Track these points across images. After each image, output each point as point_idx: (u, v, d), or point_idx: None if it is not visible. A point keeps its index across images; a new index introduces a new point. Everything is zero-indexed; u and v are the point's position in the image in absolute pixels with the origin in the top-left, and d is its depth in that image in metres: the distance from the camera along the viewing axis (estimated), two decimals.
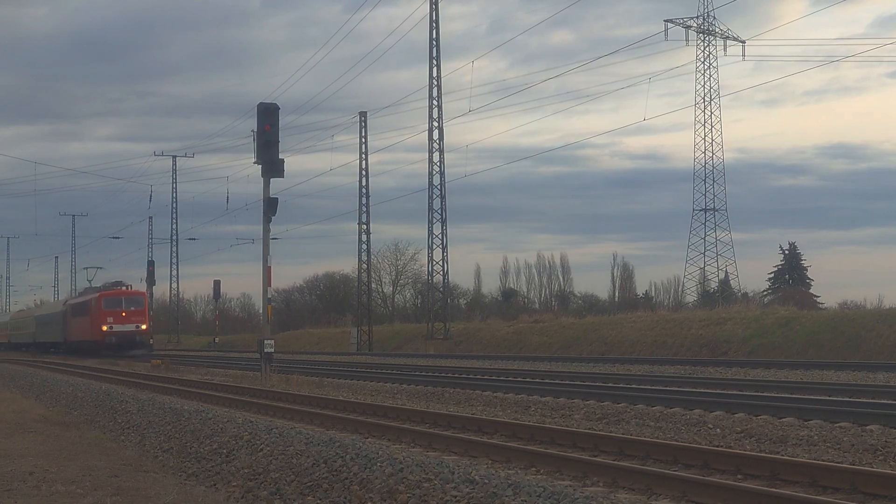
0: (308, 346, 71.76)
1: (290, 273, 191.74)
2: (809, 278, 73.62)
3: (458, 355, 45.72)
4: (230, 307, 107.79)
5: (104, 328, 54.26)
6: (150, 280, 75.37)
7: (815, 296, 68.42)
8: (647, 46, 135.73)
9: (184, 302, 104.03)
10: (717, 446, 11.49)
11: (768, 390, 18.83)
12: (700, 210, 64.70)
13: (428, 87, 52.96)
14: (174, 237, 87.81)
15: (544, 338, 51.36)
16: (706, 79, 64.09)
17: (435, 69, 52.64)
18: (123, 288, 58.17)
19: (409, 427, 14.12)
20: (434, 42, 52.59)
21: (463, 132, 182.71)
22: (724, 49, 64.81)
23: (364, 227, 62.77)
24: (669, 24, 61.50)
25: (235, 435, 12.82)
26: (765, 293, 72.07)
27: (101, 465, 11.26)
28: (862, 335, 35.56)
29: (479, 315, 72.16)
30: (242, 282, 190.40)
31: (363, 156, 62.25)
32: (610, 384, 21.50)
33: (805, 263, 74.53)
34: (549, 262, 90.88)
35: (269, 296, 26.94)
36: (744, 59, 64.09)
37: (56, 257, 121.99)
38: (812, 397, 16.70)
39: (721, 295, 63.20)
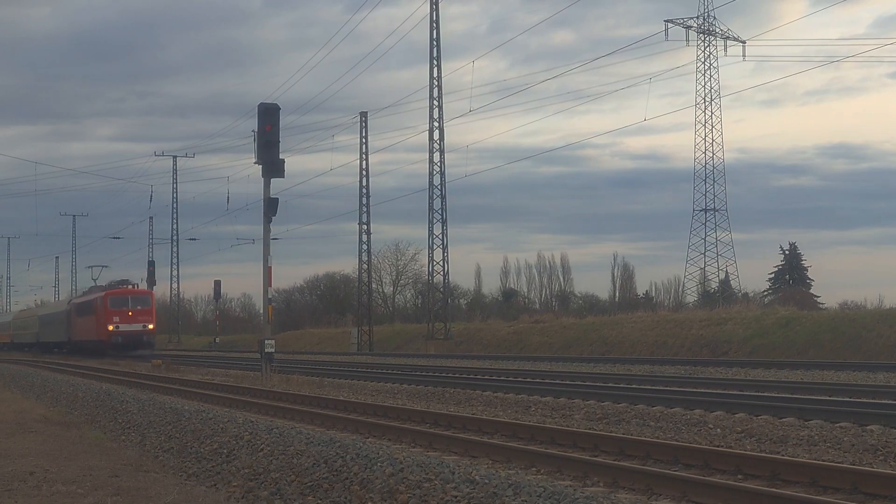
0: (308, 346, 71.76)
1: (291, 273, 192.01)
2: (810, 278, 73.71)
3: (458, 355, 45.71)
4: (231, 307, 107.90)
5: (110, 328, 53.40)
6: (151, 280, 75.49)
7: (816, 296, 68.46)
8: (647, 46, 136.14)
9: (184, 302, 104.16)
10: (718, 446, 11.49)
11: (769, 390, 18.83)
12: (700, 210, 64.74)
13: (428, 87, 53.02)
14: (175, 237, 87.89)
15: (545, 338, 51.36)
16: (707, 79, 64.14)
17: (435, 69, 52.69)
18: (130, 287, 57.49)
19: (410, 427, 14.12)
20: (434, 42, 52.62)
21: (463, 132, 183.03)
22: (725, 49, 64.90)
23: (364, 227, 62.83)
24: (670, 25, 61.53)
25: (236, 435, 12.83)
26: (765, 293, 72.14)
27: (102, 465, 11.26)
28: (862, 335, 35.54)
29: (480, 315, 72.16)
30: (243, 282, 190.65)
31: (364, 156, 62.33)
32: (610, 384, 21.50)
33: (805, 263, 74.64)
34: (549, 262, 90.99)
35: (270, 296, 26.94)
36: (744, 60, 64.10)
37: (56, 257, 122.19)
38: (812, 397, 16.69)
39: (721, 295, 63.19)
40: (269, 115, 25.37)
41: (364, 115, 62.27)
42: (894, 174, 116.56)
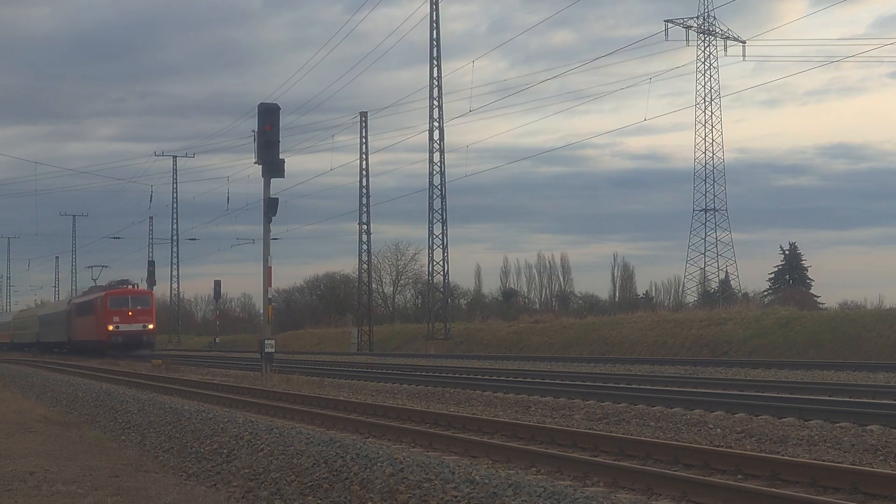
0: (308, 346, 71.76)
1: (291, 273, 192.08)
2: (810, 278, 73.70)
3: (458, 355, 45.71)
4: (231, 307, 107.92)
5: (110, 328, 53.15)
6: (151, 280, 75.45)
7: (816, 296, 68.45)
8: (647, 47, 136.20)
9: (184, 302, 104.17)
10: (718, 446, 11.49)
11: (769, 390, 18.83)
12: (700, 210, 64.75)
13: (428, 87, 53.02)
14: (174, 237, 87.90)
15: (545, 338, 51.36)
16: (707, 79, 64.14)
17: (435, 69, 52.69)
18: (130, 287, 57.23)
19: (410, 427, 14.12)
20: (434, 42, 52.62)
21: (463, 132, 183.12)
22: (725, 49, 64.89)
23: (364, 227, 62.83)
24: (670, 25, 61.52)
25: (236, 435, 12.83)
26: (765, 293, 72.14)
27: (102, 465, 11.26)
28: (862, 335, 35.55)
29: (480, 315, 72.17)
30: (243, 282, 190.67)
31: (364, 156, 62.32)
32: (610, 384, 21.49)
33: (805, 263, 74.64)
34: (549, 262, 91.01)
35: (270, 296, 26.94)
36: (744, 60, 64.10)
37: (56, 257, 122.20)
38: (812, 397, 16.69)
39: (721, 295, 63.20)
40: (269, 115, 25.37)
41: (364, 115, 62.32)
42: (894, 174, 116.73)
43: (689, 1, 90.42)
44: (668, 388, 19.61)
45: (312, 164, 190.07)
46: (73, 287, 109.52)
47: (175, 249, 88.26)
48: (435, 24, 52.51)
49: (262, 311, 28.51)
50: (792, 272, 73.27)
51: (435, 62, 52.52)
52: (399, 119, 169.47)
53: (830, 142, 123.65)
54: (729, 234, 65.17)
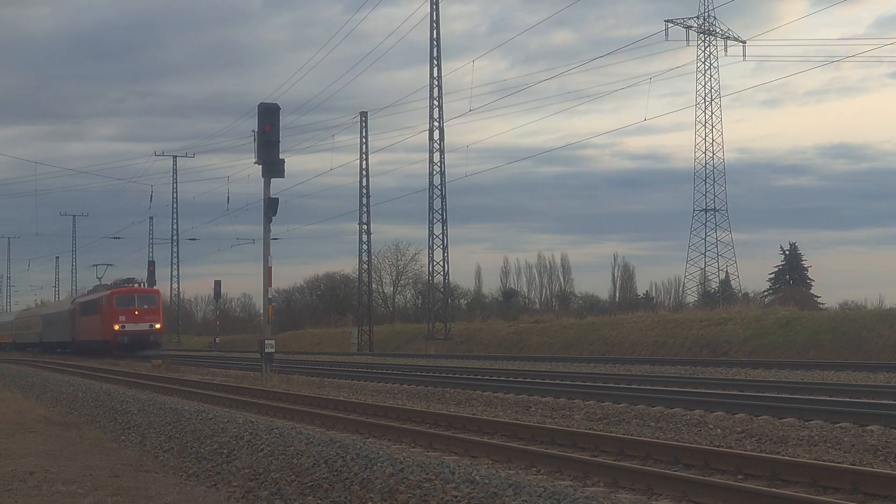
0: (309, 346, 71.76)
1: (291, 273, 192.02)
2: (810, 278, 73.66)
3: (458, 355, 45.71)
4: (231, 307, 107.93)
5: (116, 327, 51.72)
6: (151, 280, 75.32)
7: (816, 296, 68.42)
8: (647, 46, 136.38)
9: (184, 302, 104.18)
10: (718, 446, 11.49)
11: (769, 390, 18.82)
12: (701, 210, 64.76)
13: (428, 87, 53.00)
14: (175, 237, 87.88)
15: (545, 338, 51.35)
16: (707, 79, 64.15)
17: (435, 69, 52.68)
18: (136, 285, 56.14)
19: (410, 427, 14.12)
20: (435, 42, 52.62)
21: (463, 132, 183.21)
22: (725, 49, 64.87)
23: (364, 227, 62.83)
24: (670, 25, 61.55)
25: (236, 435, 12.83)
26: (765, 293, 72.12)
27: (102, 465, 11.26)
28: (862, 335, 35.55)
29: (480, 315, 72.18)
30: (243, 282, 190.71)
31: (364, 156, 62.32)
32: (610, 384, 21.49)
33: (806, 264, 74.59)
34: (549, 263, 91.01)
35: (270, 296, 26.94)
36: (744, 60, 64.13)
37: (57, 257, 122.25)
38: (813, 398, 16.68)
39: (722, 295, 63.21)
40: (269, 115, 25.37)
41: (364, 115, 62.30)
42: (894, 174, 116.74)
43: (689, 1, 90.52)
44: (669, 389, 19.60)
45: (312, 164, 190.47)
46: (74, 287, 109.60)
47: (175, 249, 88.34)
48: (435, 24, 52.54)
49: (262, 311, 28.52)
50: (792, 272, 73.26)
51: (435, 62, 52.55)
52: (399, 119, 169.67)
53: (830, 142, 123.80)
54: (729, 234, 65.27)
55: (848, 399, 16.30)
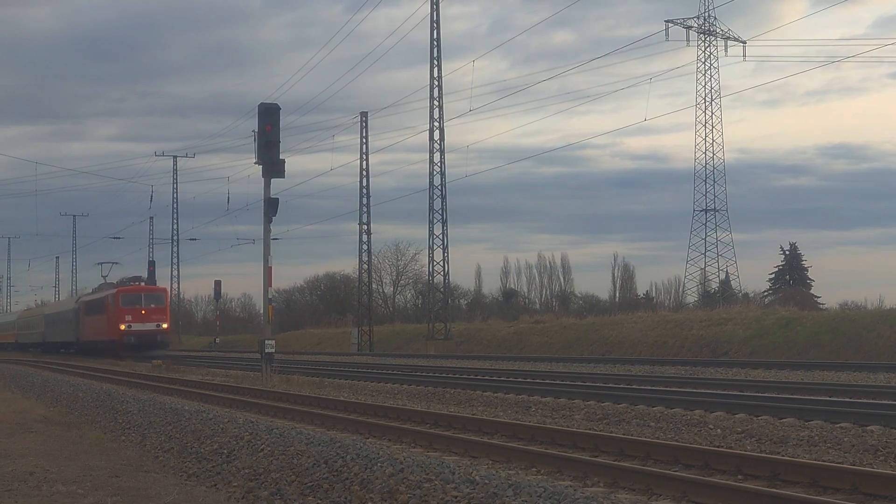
0: (309, 346, 71.76)
1: (291, 273, 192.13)
2: (810, 279, 73.67)
3: (458, 356, 45.71)
4: (231, 307, 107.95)
5: (122, 327, 50.51)
6: (151, 280, 75.26)
7: (816, 296, 68.42)
8: (647, 47, 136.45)
9: (184, 302, 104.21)
10: (718, 447, 11.49)
11: (769, 391, 18.83)
12: (701, 210, 64.78)
13: (429, 87, 53.01)
14: (175, 237, 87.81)
15: (545, 338, 51.36)
16: (707, 79, 64.16)
17: (436, 69, 52.69)
18: (142, 283, 55.28)
19: (410, 427, 14.13)
20: (435, 42, 52.62)
21: (464, 132, 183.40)
22: (725, 49, 64.87)
23: (365, 227, 62.84)
24: (670, 25, 61.57)
25: (236, 435, 12.83)
26: (765, 294, 72.12)
27: (102, 466, 11.26)
28: (863, 336, 35.55)
29: (480, 315, 72.18)
30: (243, 282, 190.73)
31: (364, 156, 62.33)
32: (611, 384, 21.49)
33: (806, 264, 74.60)
34: (549, 263, 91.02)
35: (270, 296, 26.94)
36: (745, 60, 64.13)
37: (57, 257, 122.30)
38: (813, 398, 16.68)
39: (722, 295, 63.21)
40: (269, 115, 25.38)
41: (364, 115, 62.32)
42: (894, 174, 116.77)
43: (690, 1, 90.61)
44: (669, 389, 19.60)
45: (312, 164, 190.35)
46: (74, 287, 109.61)
47: (175, 249, 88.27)
48: (435, 24, 52.55)
49: (262, 312, 28.52)
50: (792, 272, 73.26)
51: (435, 62, 52.56)
52: (399, 119, 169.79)
53: (831, 142, 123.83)
54: (729, 234, 65.30)
55: (848, 399, 16.29)
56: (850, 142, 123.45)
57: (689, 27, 62.98)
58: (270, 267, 26.29)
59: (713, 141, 64.00)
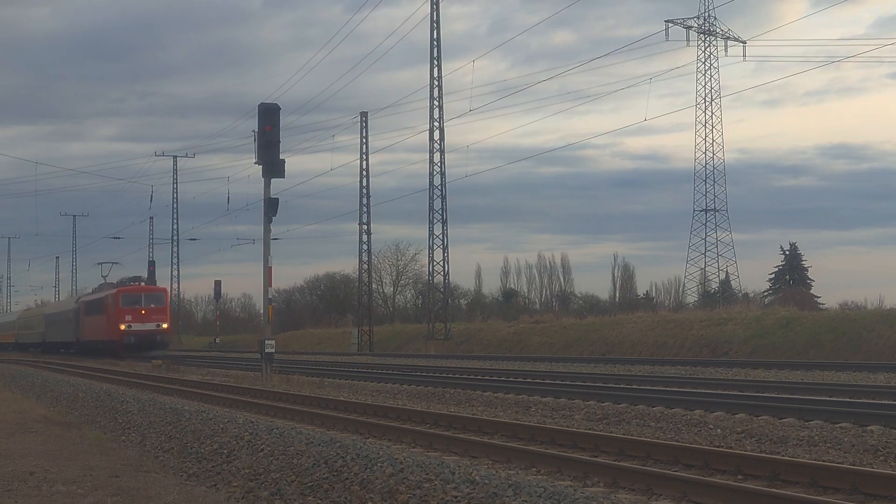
0: (309, 346, 71.76)
1: (291, 273, 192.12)
2: (810, 279, 73.68)
3: (458, 356, 45.71)
4: (231, 307, 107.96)
5: (122, 327, 50.40)
6: (151, 280, 75.25)
7: (816, 296, 68.43)
8: (647, 47, 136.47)
9: (184, 302, 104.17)
10: (718, 447, 11.49)
11: (769, 391, 18.83)
12: (701, 210, 64.78)
13: (429, 87, 53.01)
14: (175, 237, 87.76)
15: (545, 338, 51.36)
16: (707, 79, 64.16)
17: (436, 69, 52.68)
18: (142, 283, 55.04)
19: (410, 427, 14.13)
20: (435, 42, 52.61)
21: (464, 132, 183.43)
22: (725, 49, 64.87)
23: (365, 227, 62.84)
24: (670, 25, 61.57)
25: (236, 435, 12.83)
26: (765, 294, 72.13)
27: (102, 466, 11.26)
28: (863, 336, 35.55)
29: (480, 315, 72.18)
30: (243, 282, 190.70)
31: (364, 156, 62.33)
32: (611, 384, 21.49)
33: (806, 264, 74.61)
34: (549, 263, 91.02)
35: (270, 296, 26.95)
36: (745, 60, 64.12)
37: (57, 257, 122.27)
38: (813, 398, 16.68)
39: (722, 295, 63.21)
40: (269, 115, 25.38)
41: (364, 115, 62.32)
42: (894, 174, 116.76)
43: (690, 1, 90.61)
44: (669, 389, 19.60)
45: (312, 164, 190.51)
46: (74, 287, 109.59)
47: (175, 249, 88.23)
48: (435, 24, 52.54)
49: (262, 312, 28.53)
50: (792, 272, 73.27)
51: (435, 62, 52.55)
52: (399, 119, 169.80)
53: (831, 142, 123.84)
54: (729, 234, 65.30)
55: (848, 399, 16.29)
56: (850, 142, 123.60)
57: (689, 27, 63.02)
58: (270, 267, 26.30)
59: (713, 141, 64.07)
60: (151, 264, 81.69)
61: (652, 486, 9.01)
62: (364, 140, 62.24)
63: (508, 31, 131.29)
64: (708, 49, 63.89)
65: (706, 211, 64.48)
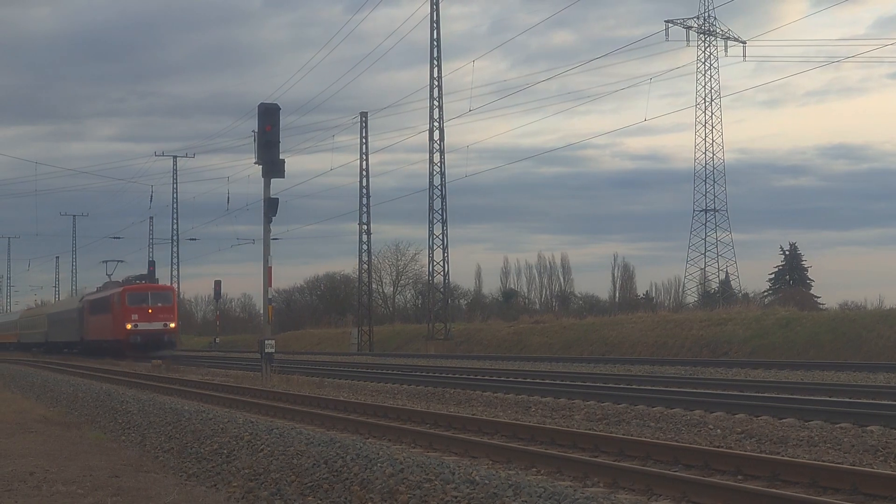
0: (309, 346, 71.76)
1: (291, 273, 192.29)
2: (810, 279, 73.71)
3: (458, 356, 45.71)
4: (231, 307, 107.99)
5: (128, 326, 49.32)
6: (151, 280, 75.16)
7: (816, 296, 68.45)
8: (647, 47, 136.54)
9: (184, 302, 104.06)
10: (718, 447, 11.49)
11: (769, 391, 18.83)
12: (701, 210, 64.79)
13: (429, 87, 53.01)
14: (175, 237, 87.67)
15: (545, 338, 51.37)
16: (707, 79, 64.17)
17: (436, 69, 52.68)
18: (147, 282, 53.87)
19: (410, 427, 14.13)
20: (435, 42, 52.61)
21: (464, 132, 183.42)
22: (725, 49, 64.92)
23: (365, 227, 62.84)
24: (670, 25, 61.58)
25: (236, 435, 12.83)
26: (765, 294, 72.15)
27: (102, 466, 11.26)
28: (862, 336, 35.56)
29: (480, 315, 72.19)
30: (243, 282, 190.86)
31: (364, 156, 62.34)
32: (610, 385, 21.49)
33: (806, 264, 74.65)
34: (549, 263, 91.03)
35: (270, 296, 26.94)
36: (745, 60, 64.13)
37: (57, 257, 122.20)
38: (812, 398, 16.68)
39: (722, 295, 63.21)
40: (269, 116, 25.37)
41: (364, 115, 62.33)
42: (894, 174, 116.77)
43: (690, 1, 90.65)
44: (669, 389, 19.60)
45: (312, 164, 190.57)
46: (73, 287, 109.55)
47: (175, 249, 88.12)
48: (435, 24, 52.55)
49: (262, 312, 28.52)
50: (792, 273, 73.29)
51: (435, 62, 52.55)
52: (399, 119, 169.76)
53: (831, 142, 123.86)
54: (729, 234, 65.32)
55: (848, 399, 16.29)
56: (850, 142, 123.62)
57: (689, 27, 63.03)
58: (270, 267, 26.29)
59: (713, 141, 64.08)
60: (151, 264, 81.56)
61: (652, 487, 9.01)
62: (364, 140, 62.31)
63: (508, 32, 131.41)
64: (708, 49, 63.97)
65: (706, 211, 64.53)
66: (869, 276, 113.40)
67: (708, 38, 63.96)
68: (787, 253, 74.17)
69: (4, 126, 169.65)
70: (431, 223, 54.33)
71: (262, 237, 26.53)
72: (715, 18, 63.55)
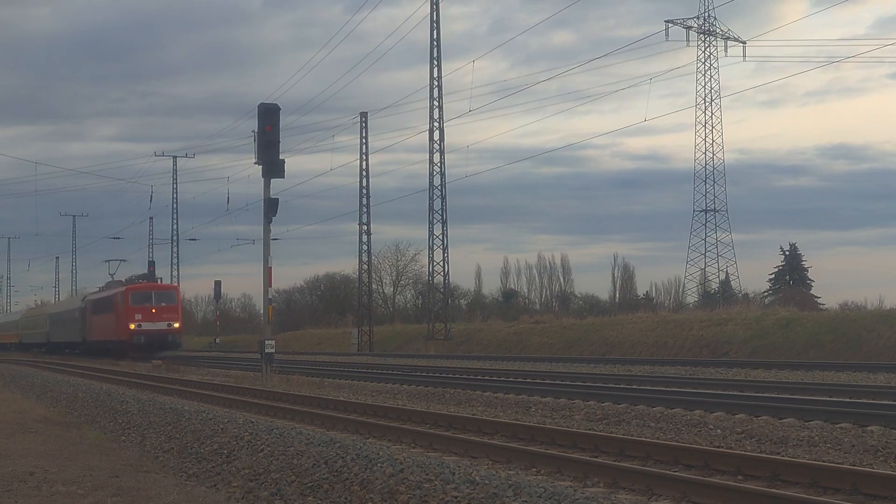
0: (309, 346, 71.75)
1: (291, 273, 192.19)
2: (810, 279, 73.69)
3: (458, 356, 45.71)
4: (231, 308, 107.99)
5: (132, 326, 48.78)
6: (151, 280, 75.08)
7: (816, 297, 68.45)
8: (647, 47, 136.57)
9: (185, 302, 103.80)
10: (718, 447, 11.49)
11: (769, 391, 18.82)
12: (701, 211, 64.79)
13: (429, 87, 52.98)
14: (175, 237, 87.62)
15: (545, 338, 51.37)
16: (707, 79, 64.17)
17: (436, 69, 52.67)
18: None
19: (410, 427, 14.13)
20: (435, 42, 52.61)
21: (464, 132, 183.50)
22: (725, 50, 64.93)
23: (365, 227, 62.84)
24: (670, 25, 61.58)
25: (236, 435, 12.83)
26: (765, 294, 72.14)
27: (102, 466, 11.26)
28: (862, 336, 35.56)
29: (480, 315, 72.20)
30: (243, 282, 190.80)
31: (364, 156, 62.34)
32: (611, 385, 21.49)
33: (806, 264, 74.63)
34: (549, 263, 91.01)
35: (270, 296, 26.95)
36: (745, 60, 64.13)
37: (57, 257, 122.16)
38: (813, 398, 16.68)
39: (722, 296, 63.22)
40: (269, 116, 25.38)
41: (364, 115, 62.32)
42: (894, 175, 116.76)
43: (690, 1, 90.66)
44: (669, 389, 19.60)
45: (312, 164, 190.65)
46: (74, 287, 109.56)
47: (175, 250, 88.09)
48: (435, 24, 52.53)
49: (262, 312, 28.53)
50: (792, 273, 73.28)
51: (435, 62, 52.54)
52: (399, 119, 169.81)
53: (831, 142, 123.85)
54: (729, 234, 65.32)
55: (848, 399, 16.29)
56: (850, 142, 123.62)
57: (689, 27, 63.04)
58: (270, 267, 26.30)
59: (713, 141, 64.08)
60: (151, 264, 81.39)
61: (652, 487, 9.01)
62: (364, 140, 62.30)
63: (508, 32, 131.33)
64: (708, 49, 63.97)
65: (706, 211, 64.54)
66: (869, 276, 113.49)
67: (708, 38, 64.03)
68: (787, 253, 74.18)
69: (4, 126, 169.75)
70: (431, 223, 54.38)
71: (262, 237, 26.55)
72: (715, 18, 63.65)
